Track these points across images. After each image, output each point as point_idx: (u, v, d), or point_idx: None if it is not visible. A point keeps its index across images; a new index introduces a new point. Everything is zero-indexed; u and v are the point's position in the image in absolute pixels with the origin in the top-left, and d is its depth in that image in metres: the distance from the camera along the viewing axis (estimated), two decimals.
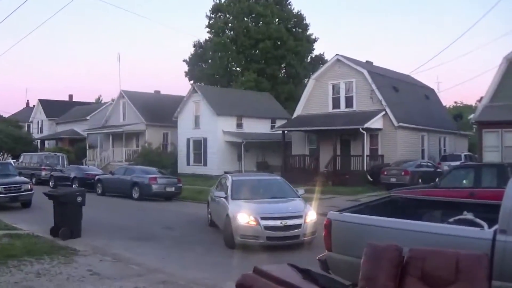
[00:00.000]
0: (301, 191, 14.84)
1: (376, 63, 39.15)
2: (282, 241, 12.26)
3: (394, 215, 7.44)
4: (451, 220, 7.25)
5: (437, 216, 8.24)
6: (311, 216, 12.68)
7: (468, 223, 7.01)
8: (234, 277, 9.35)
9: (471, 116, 30.31)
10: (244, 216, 12.33)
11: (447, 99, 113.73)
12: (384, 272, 5.16)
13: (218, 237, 13.97)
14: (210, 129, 39.92)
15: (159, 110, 45.52)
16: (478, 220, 7.06)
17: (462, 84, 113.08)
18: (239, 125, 41.24)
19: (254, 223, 12.14)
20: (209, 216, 16.27)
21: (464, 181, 14.88)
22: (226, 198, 13.71)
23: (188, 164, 41.98)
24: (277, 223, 12.15)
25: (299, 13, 60.77)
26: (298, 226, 12.25)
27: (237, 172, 38.36)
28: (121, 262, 10.65)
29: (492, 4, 63.18)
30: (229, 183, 14.32)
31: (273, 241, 12.22)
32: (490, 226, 6.68)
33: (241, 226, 12.27)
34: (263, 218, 12.16)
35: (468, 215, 7.35)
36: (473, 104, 75.67)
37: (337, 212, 7.43)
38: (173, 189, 25.54)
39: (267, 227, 12.05)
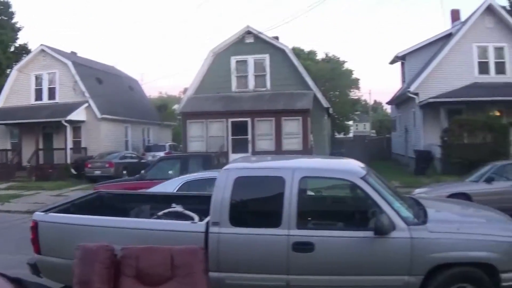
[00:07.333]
0: None
1: (83, 54, 38.40)
2: None
3: (102, 212, 7.22)
4: (160, 213, 7.23)
5: (146, 211, 8.18)
6: None
7: (177, 216, 7.05)
8: None
9: (175, 106, 31.35)
10: None
11: (152, 90, 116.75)
12: (97, 274, 4.87)
13: None
14: None
15: None
16: (187, 212, 7.14)
17: (167, 76, 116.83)
18: None
19: None
20: None
21: (170, 172, 15.13)
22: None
23: None
24: None
25: (5, 0, 55.99)
26: None
27: None
28: None
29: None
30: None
31: None
32: (202, 218, 6.79)
33: None
34: None
35: (177, 208, 7.36)
36: (177, 95, 79.09)
37: (42, 212, 6.92)
38: None
39: None
